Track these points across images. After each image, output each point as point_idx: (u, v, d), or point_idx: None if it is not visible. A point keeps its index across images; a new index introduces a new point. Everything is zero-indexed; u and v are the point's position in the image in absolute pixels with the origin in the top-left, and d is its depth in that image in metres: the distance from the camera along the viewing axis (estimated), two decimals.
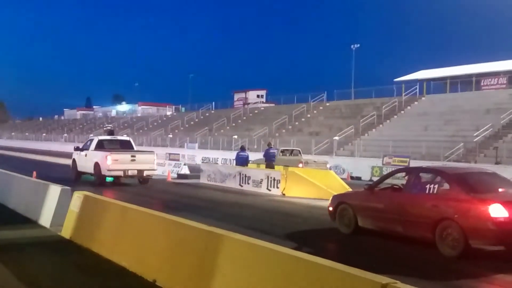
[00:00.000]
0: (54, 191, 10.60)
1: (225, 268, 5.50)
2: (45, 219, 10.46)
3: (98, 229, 8.40)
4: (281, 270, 4.84)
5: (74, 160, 22.88)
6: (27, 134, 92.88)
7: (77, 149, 23.19)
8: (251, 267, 5.19)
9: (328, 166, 27.54)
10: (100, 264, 7.47)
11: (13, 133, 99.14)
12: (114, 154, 20.00)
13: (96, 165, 20.15)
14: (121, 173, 19.96)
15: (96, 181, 20.26)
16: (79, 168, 22.21)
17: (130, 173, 20.06)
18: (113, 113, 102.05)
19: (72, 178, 21.72)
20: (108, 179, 20.20)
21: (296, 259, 4.79)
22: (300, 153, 29.57)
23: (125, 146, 22.08)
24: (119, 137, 25.50)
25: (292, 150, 30.02)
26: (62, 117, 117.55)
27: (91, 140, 22.61)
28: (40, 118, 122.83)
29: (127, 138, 24.30)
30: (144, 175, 20.50)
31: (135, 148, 23.00)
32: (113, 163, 19.70)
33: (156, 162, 21.60)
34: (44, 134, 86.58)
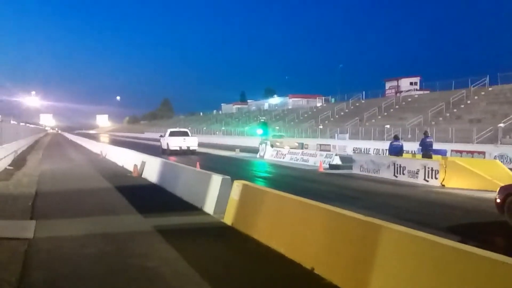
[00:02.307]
0: (216, 180, 11.26)
1: (383, 259, 5.35)
2: (209, 206, 11.18)
3: (256, 217, 8.75)
4: (444, 263, 4.58)
5: (160, 142, 39.93)
6: (189, 128, 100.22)
7: (160, 136, 41.34)
8: (411, 259, 4.99)
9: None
10: (260, 250, 7.76)
11: (177, 128, 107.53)
12: (173, 137, 37.30)
13: (167, 144, 37.11)
14: (177, 148, 36.55)
15: (167, 152, 35.68)
16: (163, 146, 38.59)
17: (183, 147, 36.72)
18: (266, 106, 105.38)
19: (160, 151, 36.61)
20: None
21: (461, 252, 4.49)
22: (282, 136, 44.31)
23: (184, 134, 38.45)
24: (182, 129, 42.54)
25: (281, 135, 45.54)
26: (220, 111, 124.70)
27: (166, 131, 39.36)
28: (201, 113, 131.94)
29: (185, 129, 41.75)
30: (191, 149, 36.95)
31: (190, 135, 39.00)
32: (173, 142, 36.87)
33: (197, 142, 38.60)
34: (204, 128, 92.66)
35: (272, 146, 35.19)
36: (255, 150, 37.50)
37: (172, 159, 24.64)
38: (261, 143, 36.93)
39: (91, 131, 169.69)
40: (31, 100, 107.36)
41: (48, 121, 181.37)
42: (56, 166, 24.39)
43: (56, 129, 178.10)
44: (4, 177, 18.18)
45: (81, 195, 14.14)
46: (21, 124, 51.54)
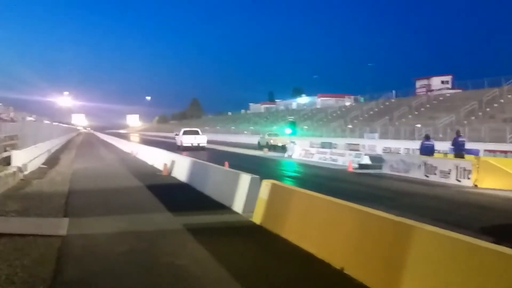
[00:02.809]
0: (245, 179, 11.29)
1: (415, 260, 5.28)
2: (238, 205, 11.22)
3: (285, 216, 8.73)
4: (478, 265, 4.50)
5: (176, 139, 46.59)
6: (218, 128, 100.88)
7: (176, 134, 48.73)
8: (444, 261, 4.91)
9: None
10: (289, 250, 7.75)
11: (206, 127, 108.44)
12: (186, 135, 43.48)
13: (181, 141, 43.25)
14: (189, 144, 42.28)
15: (181, 148, 40.92)
16: (177, 143, 44.56)
17: (194, 144, 42.37)
18: (294, 105, 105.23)
19: (176, 148, 40.89)
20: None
21: (496, 253, 4.39)
22: (276, 135, 48.24)
23: (195, 132, 44.60)
24: (193, 128, 47.90)
25: (276, 134, 49.45)
26: (248, 111, 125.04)
27: (180, 130, 46.21)
28: (229, 113, 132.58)
29: (196, 129, 47.47)
30: (200, 145, 42.52)
31: (200, 133, 44.99)
32: (186, 139, 42.80)
33: (206, 140, 43.90)
34: (232, 128, 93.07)
35: (267, 143, 45.06)
36: (283, 150, 37.48)
37: (185, 154, 26.10)
38: (259, 141, 48.27)
39: (121, 131, 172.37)
40: (64, 100, 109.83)
41: (80, 121, 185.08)
42: (89, 165, 24.84)
43: (88, 128, 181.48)
44: (38, 175, 18.61)
45: (112, 194, 14.37)
46: (54, 123, 52.69)
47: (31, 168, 19.59)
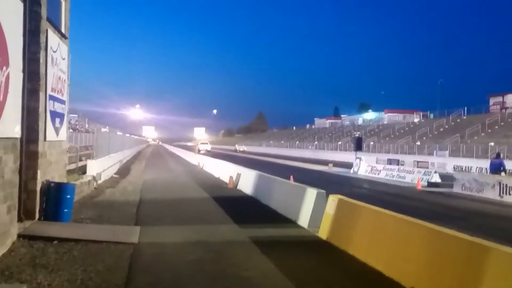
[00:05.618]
0: (311, 194, 11.27)
1: (490, 282, 5.08)
2: (303, 220, 11.19)
3: (353, 232, 8.62)
4: None
5: (197, 147, 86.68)
6: (282, 142, 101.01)
7: (196, 144, 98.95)
8: None
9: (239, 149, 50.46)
10: (356, 266, 7.65)
11: (270, 141, 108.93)
12: (201, 144, 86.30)
13: (198, 148, 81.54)
14: (202, 149, 77.90)
15: (198, 151, 67.95)
16: (197, 149, 77.24)
17: (205, 149, 79.65)
18: (360, 121, 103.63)
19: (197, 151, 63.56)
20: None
21: None
22: (240, 145, 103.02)
23: (205, 143, 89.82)
24: (205, 141, 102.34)
25: (240, 144, 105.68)
26: (313, 126, 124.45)
27: (199, 142, 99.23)
28: (294, 127, 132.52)
29: (206, 141, 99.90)
30: (208, 150, 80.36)
31: (208, 143, 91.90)
32: (201, 147, 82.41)
33: (210, 147, 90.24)
34: (297, 142, 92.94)
35: (236, 149, 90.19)
36: (348, 165, 36.98)
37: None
38: (234, 148, 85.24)
39: (189, 143, 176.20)
40: (135, 112, 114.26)
41: (150, 133, 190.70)
42: (158, 176, 25.62)
43: (157, 140, 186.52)
44: (111, 184, 19.41)
45: (181, 204, 14.76)
46: (126, 135, 54.76)
47: (104, 177, 20.46)
